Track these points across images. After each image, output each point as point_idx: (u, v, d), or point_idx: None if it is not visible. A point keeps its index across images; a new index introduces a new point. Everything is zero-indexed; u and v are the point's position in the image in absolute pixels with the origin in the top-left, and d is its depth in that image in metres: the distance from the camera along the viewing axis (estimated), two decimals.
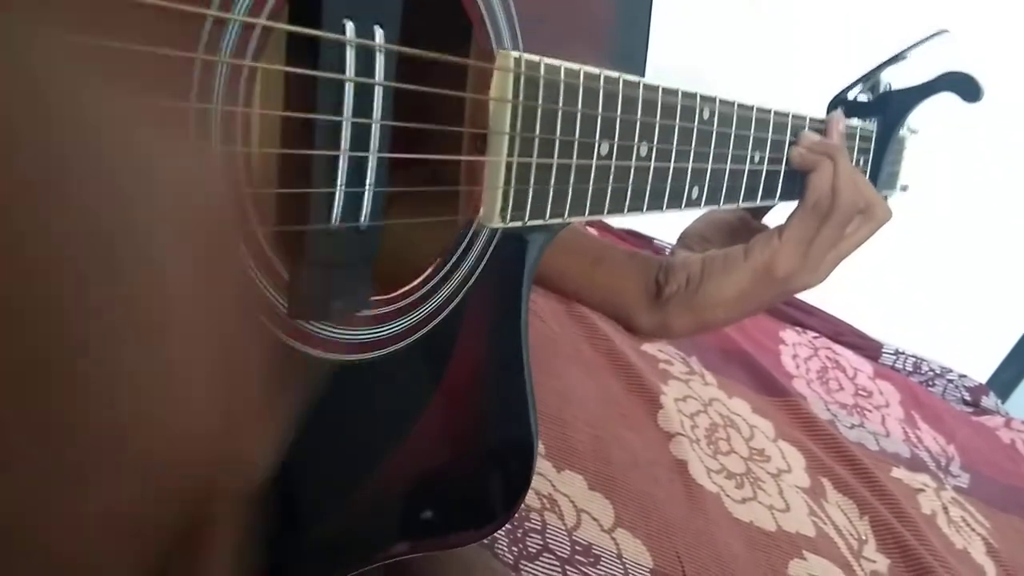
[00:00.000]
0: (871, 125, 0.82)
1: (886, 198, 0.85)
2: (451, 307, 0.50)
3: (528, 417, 0.61)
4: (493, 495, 0.62)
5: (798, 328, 1.62)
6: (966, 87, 0.75)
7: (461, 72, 0.46)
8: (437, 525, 0.58)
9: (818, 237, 0.70)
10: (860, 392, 1.50)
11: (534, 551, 0.84)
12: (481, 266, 0.51)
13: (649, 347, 1.29)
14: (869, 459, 1.27)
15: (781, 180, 0.72)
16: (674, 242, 1.62)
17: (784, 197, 0.75)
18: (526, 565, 0.82)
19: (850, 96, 0.82)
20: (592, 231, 0.81)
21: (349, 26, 0.38)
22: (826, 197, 0.70)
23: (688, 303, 0.74)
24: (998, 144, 1.64)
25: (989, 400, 1.74)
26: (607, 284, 0.76)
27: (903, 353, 1.73)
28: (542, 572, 0.83)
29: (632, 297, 0.76)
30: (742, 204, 0.68)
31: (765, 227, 0.80)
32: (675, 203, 0.59)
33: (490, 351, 0.57)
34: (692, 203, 0.60)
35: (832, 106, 0.82)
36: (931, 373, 1.73)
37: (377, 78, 0.40)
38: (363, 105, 0.40)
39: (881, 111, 0.81)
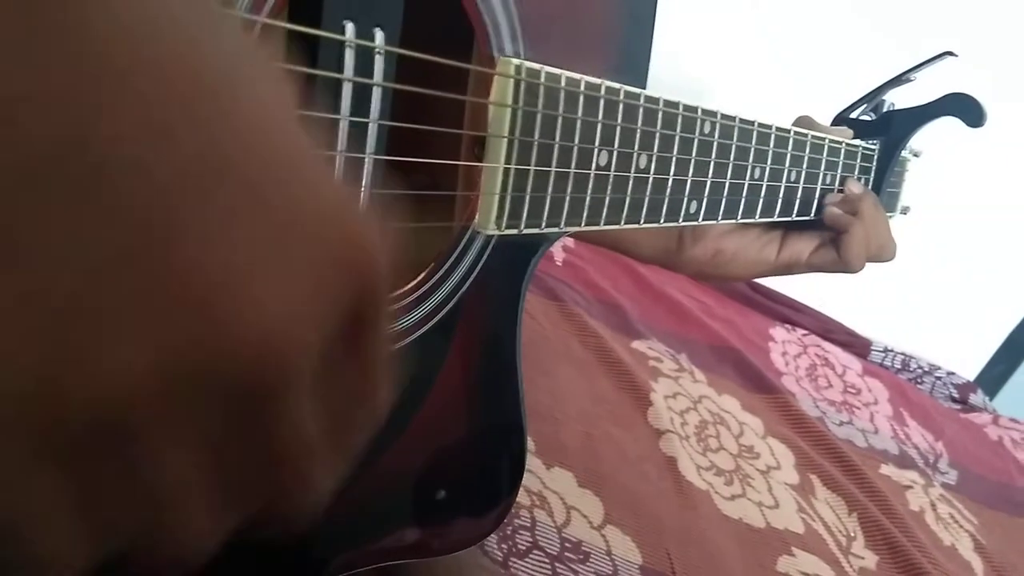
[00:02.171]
0: (873, 145, 0.82)
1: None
2: (444, 312, 0.50)
3: (520, 420, 0.61)
4: (484, 498, 0.62)
5: (788, 325, 1.63)
6: (969, 111, 0.75)
7: (461, 77, 0.46)
8: (435, 526, 0.58)
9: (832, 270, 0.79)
10: (849, 389, 1.51)
11: (523, 548, 0.84)
12: (475, 272, 0.51)
13: (639, 344, 1.29)
14: (858, 456, 1.28)
15: (781, 196, 0.72)
16: None
17: (801, 212, 0.76)
18: (516, 562, 0.82)
19: (853, 115, 0.82)
20: None
21: (349, 27, 0.38)
22: (859, 260, 0.77)
23: (705, 268, 0.79)
24: (987, 144, 1.64)
25: (977, 397, 1.75)
26: (618, 232, 0.78)
27: (892, 350, 1.73)
28: (532, 569, 0.83)
29: (645, 249, 0.79)
30: (740, 220, 0.68)
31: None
32: (673, 216, 0.59)
33: (484, 355, 0.57)
34: (690, 217, 0.60)
35: (835, 124, 0.82)
36: (919, 370, 1.73)
37: (376, 79, 0.40)
38: (361, 106, 0.40)
39: (884, 131, 0.81)
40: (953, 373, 1.76)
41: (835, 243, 0.78)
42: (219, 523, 0.23)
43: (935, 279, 1.89)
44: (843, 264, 0.77)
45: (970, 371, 1.96)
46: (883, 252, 0.79)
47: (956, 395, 1.73)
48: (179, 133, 0.19)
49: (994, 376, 2.06)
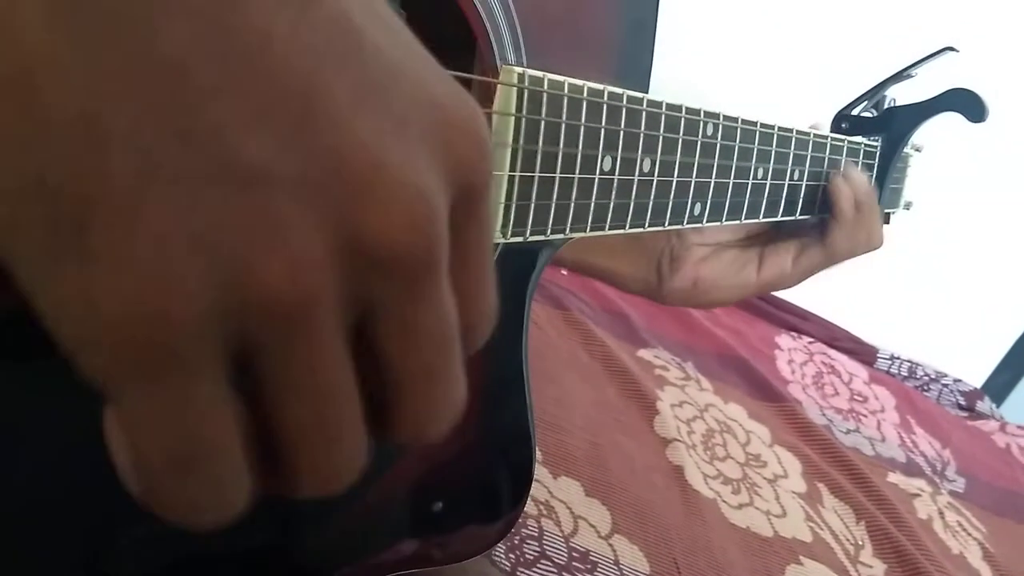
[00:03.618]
0: (875, 142, 0.82)
1: (889, 216, 0.86)
2: None
3: (528, 430, 0.61)
4: (491, 508, 0.62)
5: (794, 333, 1.63)
6: (970, 106, 0.75)
7: (465, 87, 0.45)
8: (434, 538, 0.57)
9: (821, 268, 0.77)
10: (855, 397, 1.51)
11: (531, 558, 0.84)
12: None
13: (645, 353, 1.29)
14: (865, 464, 1.28)
15: (784, 196, 0.72)
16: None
17: (804, 211, 0.76)
18: (523, 572, 0.82)
19: (854, 112, 0.82)
20: None
21: None
22: (847, 256, 0.76)
23: (689, 299, 0.78)
24: (992, 149, 1.64)
25: (984, 404, 1.74)
26: (601, 267, 0.78)
27: (898, 358, 1.73)
28: None
29: (628, 282, 0.78)
30: (745, 220, 0.68)
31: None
32: (677, 219, 0.59)
33: (490, 365, 0.57)
34: (694, 219, 0.61)
35: (836, 122, 0.82)
36: (926, 378, 1.73)
37: None
38: None
39: (885, 128, 0.81)
40: (960, 380, 1.76)
41: (821, 230, 0.77)
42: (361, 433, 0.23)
43: (941, 286, 1.89)
44: (825, 251, 0.76)
45: (977, 378, 1.96)
46: (871, 239, 0.78)
47: (963, 402, 1.73)
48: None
49: (1001, 383, 2.05)
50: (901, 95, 0.82)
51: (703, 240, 0.77)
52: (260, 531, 0.45)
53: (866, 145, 0.81)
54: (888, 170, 0.82)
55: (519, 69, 0.44)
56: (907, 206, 0.91)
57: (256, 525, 0.43)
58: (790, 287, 0.79)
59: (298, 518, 0.46)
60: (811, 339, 1.64)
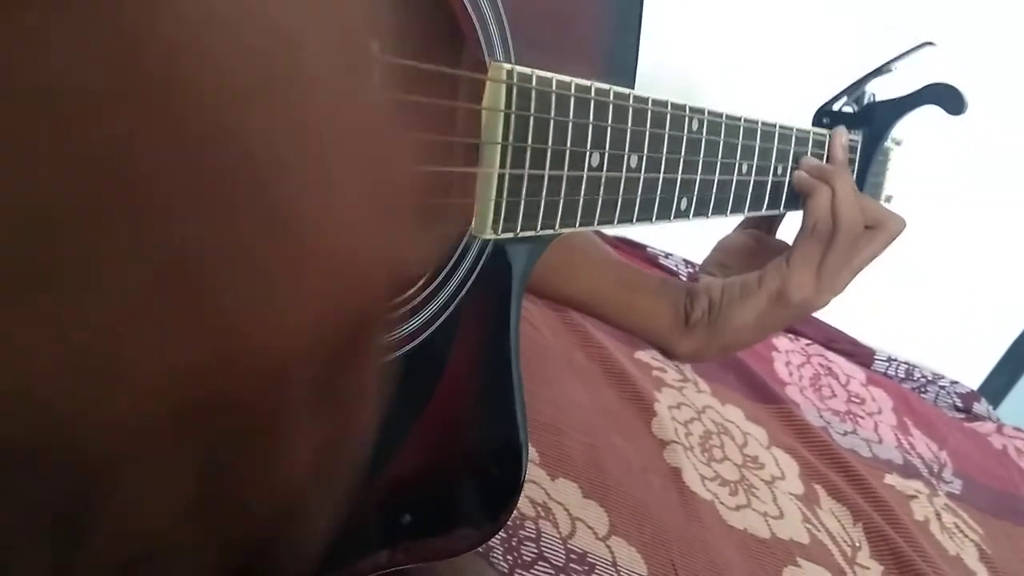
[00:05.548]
0: (856, 136, 0.83)
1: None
2: (443, 318, 0.50)
3: (517, 427, 0.61)
4: (482, 505, 0.62)
5: (791, 335, 1.63)
6: (950, 99, 0.76)
7: (454, 84, 0.46)
8: (426, 533, 0.57)
9: (826, 260, 0.72)
10: (853, 399, 1.51)
11: (529, 559, 0.84)
12: (473, 276, 0.51)
13: (643, 354, 1.29)
14: (862, 466, 1.27)
15: (768, 191, 0.73)
16: (665, 250, 1.63)
17: (788, 206, 0.76)
18: (521, 573, 0.82)
19: (835, 107, 0.83)
20: (611, 250, 0.83)
21: None
22: (824, 221, 0.72)
23: (712, 328, 0.75)
24: (988, 151, 1.64)
25: (981, 406, 1.74)
26: (645, 312, 0.78)
27: (895, 360, 1.73)
28: None
29: (667, 325, 0.78)
30: (730, 215, 0.68)
31: (780, 243, 0.81)
32: (664, 214, 0.59)
33: (482, 360, 0.57)
34: (681, 214, 0.61)
35: (817, 117, 0.83)
36: (923, 379, 1.73)
37: None
38: None
39: (866, 122, 0.83)
40: (957, 382, 1.76)
41: (804, 207, 0.74)
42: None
43: (938, 288, 1.89)
44: (808, 228, 0.72)
45: (974, 380, 1.95)
46: (883, 223, 0.74)
47: (960, 404, 1.73)
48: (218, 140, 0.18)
49: (998, 385, 2.04)
50: (884, 92, 0.83)
51: (710, 274, 0.77)
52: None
53: (848, 139, 0.82)
54: (869, 164, 0.83)
55: (508, 65, 0.44)
56: (887, 199, 0.92)
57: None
58: (807, 290, 0.73)
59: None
60: (808, 341, 1.64)
